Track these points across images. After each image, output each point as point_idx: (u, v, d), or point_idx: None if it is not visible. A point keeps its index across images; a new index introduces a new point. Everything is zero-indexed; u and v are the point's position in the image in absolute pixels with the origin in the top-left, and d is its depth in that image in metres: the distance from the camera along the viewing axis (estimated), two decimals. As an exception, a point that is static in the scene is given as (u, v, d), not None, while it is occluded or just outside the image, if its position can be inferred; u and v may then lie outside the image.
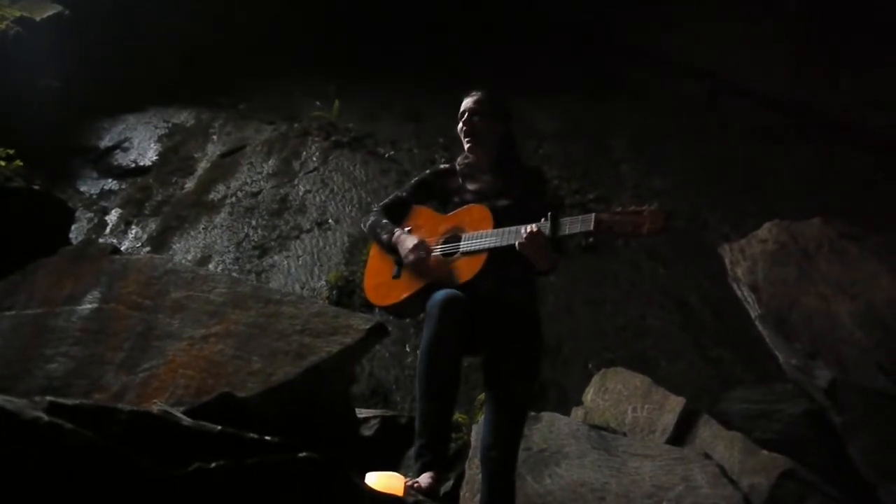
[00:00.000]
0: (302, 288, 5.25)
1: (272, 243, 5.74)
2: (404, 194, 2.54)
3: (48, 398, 0.79)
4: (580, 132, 7.54)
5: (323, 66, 7.94)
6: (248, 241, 5.76)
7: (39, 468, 0.68)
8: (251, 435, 0.90)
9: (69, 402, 0.81)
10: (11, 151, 4.90)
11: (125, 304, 2.92)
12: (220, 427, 0.89)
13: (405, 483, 1.71)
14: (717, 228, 6.15)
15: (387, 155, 6.85)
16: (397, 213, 2.49)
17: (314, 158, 6.78)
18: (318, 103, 7.52)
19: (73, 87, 6.68)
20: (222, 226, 5.92)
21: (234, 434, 0.90)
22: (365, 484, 1.11)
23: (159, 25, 7.45)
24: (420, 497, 1.66)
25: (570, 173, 6.94)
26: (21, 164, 4.95)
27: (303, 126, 7.22)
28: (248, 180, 6.49)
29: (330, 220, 5.94)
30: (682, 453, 3.00)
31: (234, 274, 5.30)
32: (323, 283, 5.27)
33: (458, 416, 3.63)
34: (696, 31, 7.60)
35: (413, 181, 2.59)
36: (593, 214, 2.03)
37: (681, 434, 3.67)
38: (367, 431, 3.31)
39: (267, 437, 0.92)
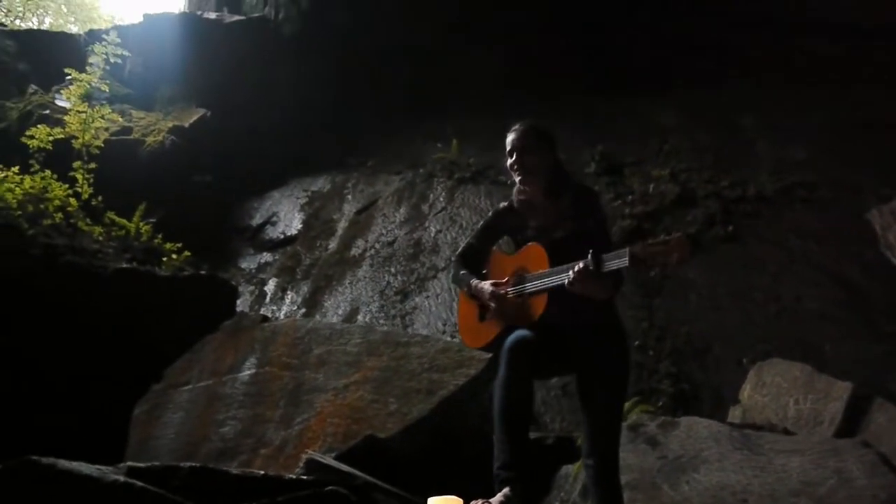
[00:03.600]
0: (444, 325, 5.47)
1: (412, 286, 6.04)
2: (474, 241, 2.78)
3: (128, 463, 1.00)
4: (704, 118, 7.21)
5: (437, 110, 8.27)
6: (389, 288, 6.11)
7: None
8: (289, 476, 1.05)
9: (142, 465, 1.01)
10: (179, 245, 5.61)
11: (277, 365, 3.28)
12: (262, 472, 1.05)
13: (471, 504, 1.80)
14: (873, 191, 5.61)
15: (508, 182, 6.97)
16: (473, 259, 2.73)
17: (441, 199, 7.07)
18: (438, 145, 7.86)
19: (224, 175, 7.55)
20: (365, 278, 6.34)
21: (275, 477, 1.06)
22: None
23: (285, 105, 8.21)
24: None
25: (700, 163, 6.67)
26: (189, 254, 5.64)
27: (427, 170, 7.57)
28: (384, 231, 6.91)
29: (462, 255, 6.15)
30: (836, 444, 2.78)
31: (381, 321, 5.65)
32: (463, 317, 5.45)
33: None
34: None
35: (479, 226, 2.83)
36: (627, 249, 2.10)
37: (852, 422, 3.39)
38: (514, 456, 3.38)
39: (303, 477, 1.06)
